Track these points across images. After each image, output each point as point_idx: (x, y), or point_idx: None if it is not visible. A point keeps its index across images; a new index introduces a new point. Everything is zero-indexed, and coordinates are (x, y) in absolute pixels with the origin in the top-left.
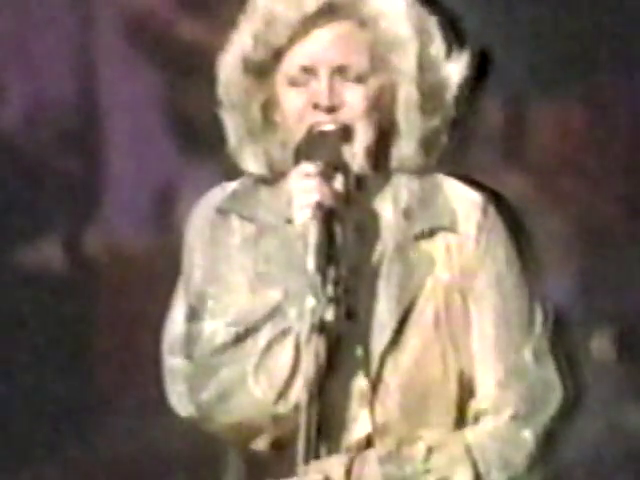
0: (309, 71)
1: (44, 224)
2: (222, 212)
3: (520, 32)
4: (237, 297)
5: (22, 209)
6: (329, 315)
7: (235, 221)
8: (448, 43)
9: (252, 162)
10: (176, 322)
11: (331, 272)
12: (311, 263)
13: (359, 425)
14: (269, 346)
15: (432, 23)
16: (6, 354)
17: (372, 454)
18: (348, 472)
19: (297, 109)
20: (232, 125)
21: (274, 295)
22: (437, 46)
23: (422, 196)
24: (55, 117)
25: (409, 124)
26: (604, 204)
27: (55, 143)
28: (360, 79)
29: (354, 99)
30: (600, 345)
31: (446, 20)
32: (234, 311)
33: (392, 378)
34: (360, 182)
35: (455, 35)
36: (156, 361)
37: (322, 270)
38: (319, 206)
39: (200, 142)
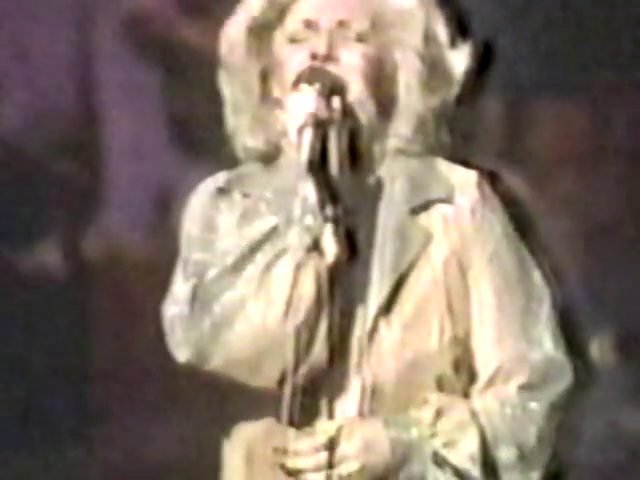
0: (311, 26)
1: (43, 227)
2: (223, 191)
3: (524, 29)
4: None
5: (21, 212)
6: (327, 234)
7: (237, 198)
8: (452, 34)
9: (250, 136)
10: (177, 285)
11: (326, 191)
12: (305, 153)
13: (352, 389)
14: (267, 268)
15: (437, 12)
16: (5, 357)
17: (377, 417)
18: (352, 434)
19: (297, 64)
20: (231, 96)
21: (271, 220)
22: (442, 29)
23: (417, 173)
24: (54, 119)
25: (409, 101)
26: (605, 203)
27: (54, 146)
28: (360, 39)
29: (352, 56)
30: (602, 346)
31: (451, 12)
32: (229, 239)
33: (384, 342)
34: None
35: (459, 28)
36: (156, 364)
37: (315, 171)
38: (314, 116)
39: (200, 145)
